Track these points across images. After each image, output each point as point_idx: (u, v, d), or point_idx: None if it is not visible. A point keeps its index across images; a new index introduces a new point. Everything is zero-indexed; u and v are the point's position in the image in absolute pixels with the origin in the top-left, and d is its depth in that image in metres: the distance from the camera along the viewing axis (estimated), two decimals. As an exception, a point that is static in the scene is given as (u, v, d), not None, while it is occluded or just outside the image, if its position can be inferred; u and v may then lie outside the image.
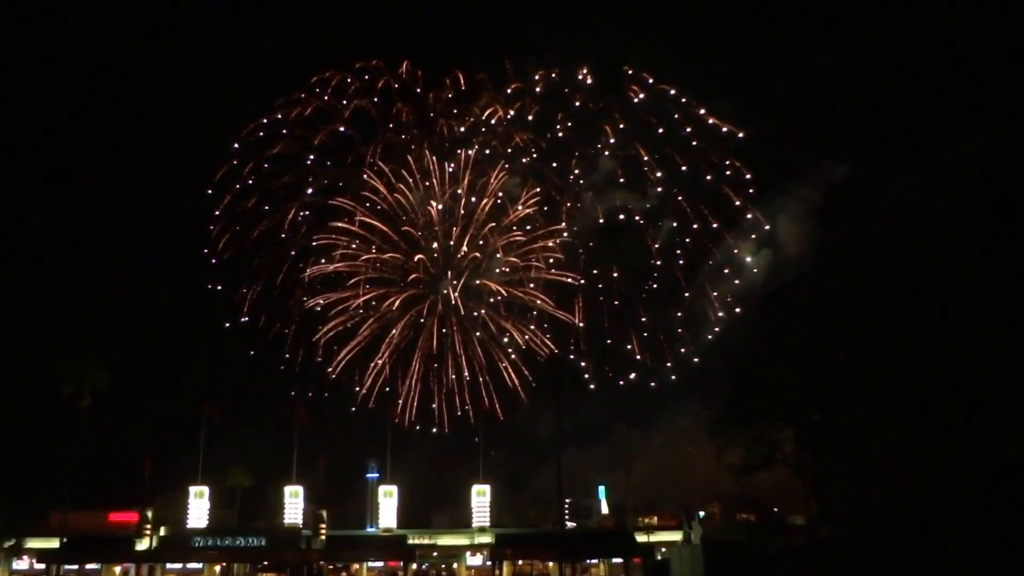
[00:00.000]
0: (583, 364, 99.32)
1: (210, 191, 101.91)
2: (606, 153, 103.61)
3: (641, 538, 74.87)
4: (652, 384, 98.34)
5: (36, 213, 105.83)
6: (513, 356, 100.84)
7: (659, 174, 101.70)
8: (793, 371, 48.10)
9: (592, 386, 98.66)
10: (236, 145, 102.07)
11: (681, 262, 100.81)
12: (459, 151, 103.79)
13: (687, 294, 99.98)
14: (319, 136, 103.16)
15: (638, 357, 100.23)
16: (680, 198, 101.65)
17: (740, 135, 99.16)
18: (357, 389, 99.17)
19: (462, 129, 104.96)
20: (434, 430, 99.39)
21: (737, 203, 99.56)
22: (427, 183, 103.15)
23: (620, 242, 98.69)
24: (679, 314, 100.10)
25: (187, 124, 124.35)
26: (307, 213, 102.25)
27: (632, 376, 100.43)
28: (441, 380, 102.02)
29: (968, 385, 39.40)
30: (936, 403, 40.38)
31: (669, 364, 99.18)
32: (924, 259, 42.69)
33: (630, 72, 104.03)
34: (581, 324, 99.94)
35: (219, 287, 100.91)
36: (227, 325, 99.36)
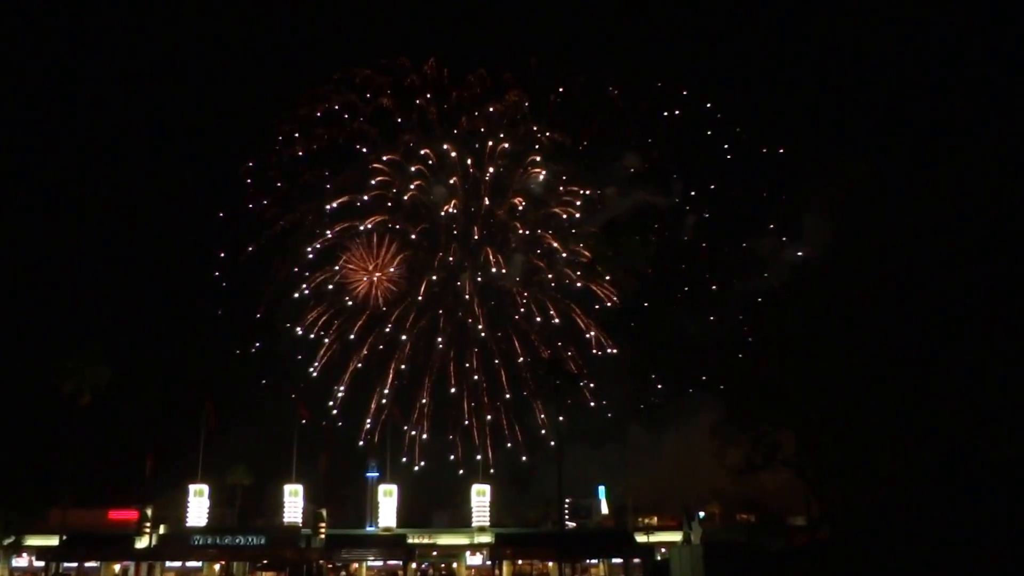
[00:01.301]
0: (604, 402, 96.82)
1: (224, 191, 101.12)
2: (631, 170, 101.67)
3: (641, 538, 74.73)
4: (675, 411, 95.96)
5: (36, 207, 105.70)
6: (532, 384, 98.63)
7: (690, 191, 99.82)
8: (793, 371, 48.06)
9: (610, 414, 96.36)
10: (257, 141, 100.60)
11: (714, 286, 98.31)
12: (484, 150, 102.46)
13: (711, 318, 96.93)
14: (340, 134, 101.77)
15: (660, 387, 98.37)
16: (707, 215, 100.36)
17: (780, 151, 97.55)
18: (368, 425, 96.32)
19: (482, 128, 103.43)
20: (452, 456, 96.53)
21: (771, 226, 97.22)
22: (450, 182, 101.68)
23: (621, 244, 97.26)
24: (707, 345, 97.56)
25: (204, 120, 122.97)
26: (325, 215, 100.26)
27: (655, 400, 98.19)
28: (463, 413, 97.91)
29: (968, 386, 39.32)
30: (936, 404, 40.30)
31: (692, 391, 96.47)
32: (925, 260, 42.61)
33: (659, 84, 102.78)
34: (616, 350, 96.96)
35: (231, 309, 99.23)
36: (237, 352, 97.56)
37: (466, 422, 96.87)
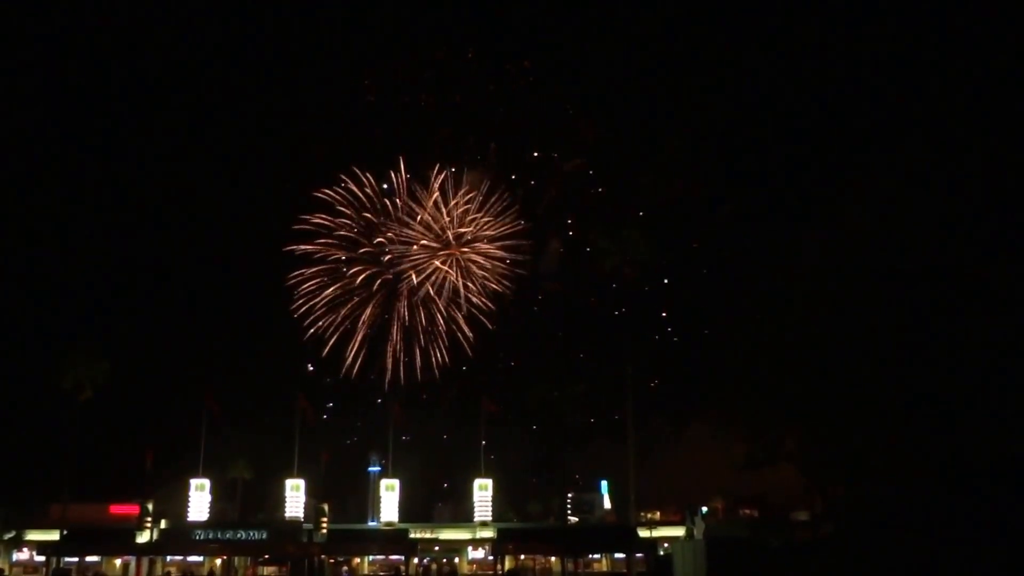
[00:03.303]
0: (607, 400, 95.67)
1: (231, 189, 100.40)
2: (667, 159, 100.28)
3: (644, 533, 74.50)
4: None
5: (35, 202, 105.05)
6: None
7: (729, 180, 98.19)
8: (796, 367, 47.64)
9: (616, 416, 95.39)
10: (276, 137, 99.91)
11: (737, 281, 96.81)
12: (522, 144, 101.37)
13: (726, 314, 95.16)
14: (374, 131, 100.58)
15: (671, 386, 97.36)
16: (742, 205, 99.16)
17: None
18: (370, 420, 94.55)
19: (522, 121, 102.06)
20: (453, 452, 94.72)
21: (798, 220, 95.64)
22: (487, 176, 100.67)
23: (623, 236, 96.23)
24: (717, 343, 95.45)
25: (214, 117, 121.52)
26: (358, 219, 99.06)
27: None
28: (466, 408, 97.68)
29: (970, 382, 38.98)
30: (940, 400, 39.97)
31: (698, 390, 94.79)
32: (925, 256, 42.22)
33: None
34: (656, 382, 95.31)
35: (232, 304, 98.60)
36: (239, 347, 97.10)
37: (469, 415, 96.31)
